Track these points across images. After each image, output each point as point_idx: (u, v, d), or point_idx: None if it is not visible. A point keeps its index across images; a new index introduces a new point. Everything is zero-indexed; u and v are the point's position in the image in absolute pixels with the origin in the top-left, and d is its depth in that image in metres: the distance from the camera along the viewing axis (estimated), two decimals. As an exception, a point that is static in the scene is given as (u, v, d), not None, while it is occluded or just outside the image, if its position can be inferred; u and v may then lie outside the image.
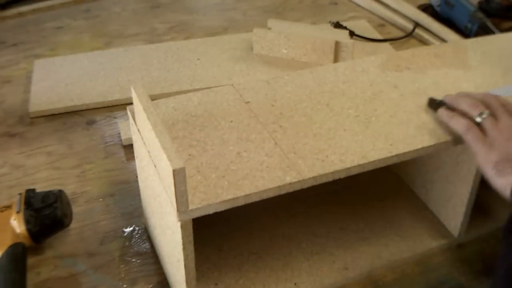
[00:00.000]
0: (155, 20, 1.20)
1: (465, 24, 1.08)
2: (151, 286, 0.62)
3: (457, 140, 0.57)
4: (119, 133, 0.84)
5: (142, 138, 0.55)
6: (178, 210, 0.47)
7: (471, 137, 0.55)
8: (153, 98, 0.56)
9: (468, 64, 0.70)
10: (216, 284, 0.61)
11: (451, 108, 0.59)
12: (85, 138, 0.84)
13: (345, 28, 1.05)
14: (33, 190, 0.66)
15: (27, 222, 0.62)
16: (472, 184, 0.62)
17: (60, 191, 0.66)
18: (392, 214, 0.70)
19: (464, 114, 0.58)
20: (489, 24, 1.05)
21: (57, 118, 0.88)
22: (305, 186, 0.52)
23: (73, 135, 0.85)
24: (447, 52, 0.73)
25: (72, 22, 1.19)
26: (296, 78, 0.67)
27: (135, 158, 0.63)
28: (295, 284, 0.61)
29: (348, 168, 0.53)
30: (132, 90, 0.54)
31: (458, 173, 0.64)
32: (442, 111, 0.59)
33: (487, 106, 0.57)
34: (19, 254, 0.60)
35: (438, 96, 0.62)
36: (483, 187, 0.64)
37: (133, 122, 0.58)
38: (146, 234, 0.68)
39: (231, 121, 0.59)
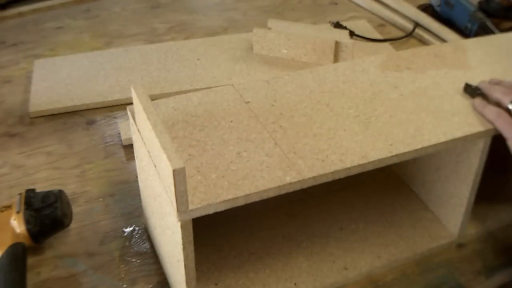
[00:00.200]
0: (155, 20, 1.20)
1: (465, 24, 1.08)
2: (151, 286, 0.62)
3: (457, 140, 0.57)
4: (119, 133, 0.84)
5: (142, 138, 0.55)
6: (178, 210, 0.47)
7: (501, 123, 0.58)
8: (153, 98, 0.56)
9: (468, 64, 0.70)
10: (216, 284, 0.61)
11: (485, 95, 0.62)
12: (85, 138, 0.84)
13: (345, 28, 1.05)
14: (33, 190, 0.66)
15: (27, 222, 0.62)
16: (472, 184, 0.62)
17: (60, 191, 0.66)
18: (392, 214, 0.70)
19: (497, 102, 0.60)
20: (489, 24, 1.05)
21: (57, 118, 0.88)
22: (305, 186, 0.52)
23: (73, 135, 0.85)
24: (447, 52, 0.73)
25: (72, 22, 1.19)
26: (296, 78, 0.67)
27: (135, 158, 0.63)
28: (295, 284, 0.61)
29: (348, 168, 0.53)
30: (132, 90, 0.54)
31: (458, 173, 0.64)
32: (476, 101, 0.62)
33: None
34: (19, 254, 0.60)
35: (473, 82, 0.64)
36: (484, 186, 0.64)
37: (133, 122, 0.58)
38: (146, 234, 0.68)
39: (231, 121, 0.59)
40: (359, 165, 0.54)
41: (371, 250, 0.65)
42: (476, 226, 0.69)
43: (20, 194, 0.65)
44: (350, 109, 0.61)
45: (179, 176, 0.45)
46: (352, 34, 1.02)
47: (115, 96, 0.91)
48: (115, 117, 0.88)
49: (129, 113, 0.59)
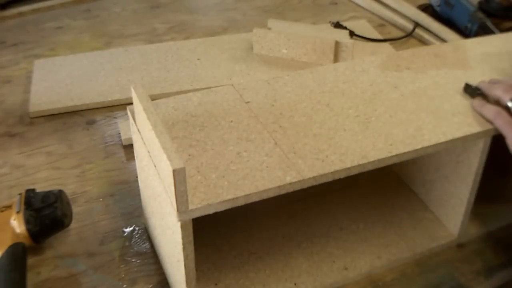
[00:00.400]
0: (155, 20, 1.20)
1: (465, 24, 1.08)
2: (151, 286, 0.62)
3: (457, 140, 0.57)
4: (119, 133, 0.84)
5: (142, 138, 0.55)
6: (178, 210, 0.47)
7: (500, 122, 0.57)
8: (153, 98, 0.56)
9: (468, 64, 0.70)
10: (216, 284, 0.61)
11: (485, 94, 0.62)
12: (85, 138, 0.84)
13: (345, 28, 1.05)
14: (33, 190, 0.66)
15: (27, 222, 0.62)
16: (472, 184, 0.62)
17: (60, 191, 0.66)
18: (392, 214, 0.70)
19: (497, 100, 0.60)
20: (489, 24, 1.05)
21: (57, 118, 0.88)
22: (305, 186, 0.52)
23: (73, 135, 0.85)
24: (447, 52, 0.73)
25: (72, 22, 1.19)
26: (296, 78, 0.67)
27: (135, 158, 0.63)
28: (295, 284, 0.61)
29: (348, 168, 0.53)
30: (132, 90, 0.54)
31: (458, 173, 0.64)
32: (474, 102, 0.61)
33: None
34: (19, 254, 0.60)
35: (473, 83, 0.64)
36: (484, 186, 0.64)
37: (133, 122, 0.58)
38: (146, 234, 0.68)
39: (231, 121, 0.59)
40: (359, 165, 0.54)
41: (371, 250, 0.65)
42: (476, 226, 0.69)
43: (20, 194, 0.65)
44: (350, 109, 0.61)
45: (179, 176, 0.45)
46: (352, 34, 1.02)
47: (115, 96, 0.91)
48: (115, 117, 0.88)
49: (129, 113, 0.59)
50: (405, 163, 0.73)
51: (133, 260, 0.65)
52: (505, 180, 0.75)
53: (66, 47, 1.09)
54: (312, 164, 0.53)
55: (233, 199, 0.49)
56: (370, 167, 0.54)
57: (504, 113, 0.58)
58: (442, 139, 0.57)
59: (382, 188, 0.74)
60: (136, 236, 0.68)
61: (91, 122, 0.87)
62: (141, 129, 0.55)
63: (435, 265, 0.65)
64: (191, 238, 0.50)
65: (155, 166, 0.51)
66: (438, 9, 1.16)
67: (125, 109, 0.62)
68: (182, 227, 0.48)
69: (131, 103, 0.57)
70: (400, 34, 1.13)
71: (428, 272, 0.64)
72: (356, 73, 0.68)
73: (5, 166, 0.79)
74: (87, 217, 0.70)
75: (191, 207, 0.48)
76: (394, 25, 1.17)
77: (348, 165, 0.53)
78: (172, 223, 0.50)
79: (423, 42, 1.10)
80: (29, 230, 0.62)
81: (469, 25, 1.07)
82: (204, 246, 0.65)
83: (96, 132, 0.85)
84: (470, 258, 0.66)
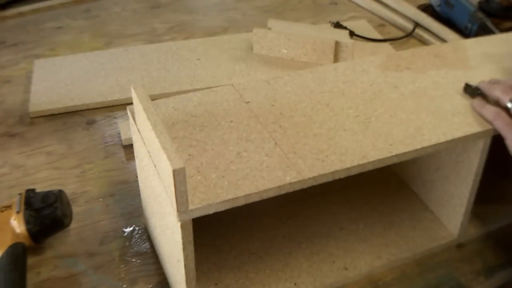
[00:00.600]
0: (155, 20, 1.20)
1: (465, 24, 1.08)
2: (151, 286, 0.62)
3: (457, 140, 0.57)
4: (119, 133, 0.84)
5: (142, 138, 0.55)
6: (178, 210, 0.47)
7: (500, 122, 0.57)
8: (153, 98, 0.56)
9: (468, 64, 0.70)
10: (216, 284, 0.61)
11: (485, 95, 0.62)
12: (85, 138, 0.84)
13: (345, 28, 1.05)
14: (33, 190, 0.66)
15: (27, 222, 0.62)
16: (472, 184, 0.62)
17: (60, 191, 0.66)
18: (392, 214, 0.70)
19: (497, 101, 0.60)
20: (489, 24, 1.05)
21: (57, 118, 0.88)
22: (305, 186, 0.52)
23: (73, 135, 0.85)
24: (447, 52, 0.73)
25: (72, 22, 1.19)
26: (296, 78, 0.67)
27: (135, 158, 0.63)
28: (295, 284, 0.61)
29: (348, 168, 0.53)
30: (132, 90, 0.54)
31: (458, 173, 0.64)
32: (474, 102, 0.61)
33: None
34: (19, 254, 0.60)
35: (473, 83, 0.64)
36: (484, 186, 0.64)
37: (133, 122, 0.58)
38: (146, 234, 0.68)
39: (231, 121, 0.59)
40: (359, 165, 0.54)
41: (371, 250, 0.65)
42: (476, 226, 0.69)
43: (20, 194, 0.65)
44: (350, 109, 0.61)
45: (179, 176, 0.45)
46: (352, 34, 1.02)
47: (115, 96, 0.91)
48: (115, 117, 0.88)
49: (129, 113, 0.59)
50: (405, 163, 0.73)
51: (133, 260, 0.65)
52: (505, 180, 0.75)
53: (66, 47, 1.09)
54: (312, 164, 0.53)
55: (233, 199, 0.49)
56: (370, 167, 0.54)
57: (504, 114, 0.58)
58: (442, 139, 0.57)
59: (382, 188, 0.74)
60: (136, 236, 0.68)
61: (91, 122, 0.87)
62: (141, 129, 0.55)
63: (435, 265, 0.65)
64: (191, 238, 0.50)
65: (155, 166, 0.51)
66: (438, 9, 1.16)
67: (125, 109, 0.62)
68: (182, 227, 0.48)
69: (131, 103, 0.57)
70: (400, 34, 1.13)
71: (428, 272, 0.64)
72: (356, 73, 0.68)
73: (5, 166, 0.79)
74: (87, 217, 0.70)
75: (191, 207, 0.48)
76: (394, 25, 1.17)
77: (348, 165, 0.53)
78: (172, 223, 0.50)
79: (423, 42, 1.10)
80: (29, 230, 0.62)
81: (469, 25, 1.07)
82: (204, 246, 0.65)
83: (96, 132, 0.85)
84: (470, 258, 0.66)
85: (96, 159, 0.80)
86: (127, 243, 0.67)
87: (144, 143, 0.54)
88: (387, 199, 0.72)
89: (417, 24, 1.13)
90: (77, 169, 0.78)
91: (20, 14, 1.21)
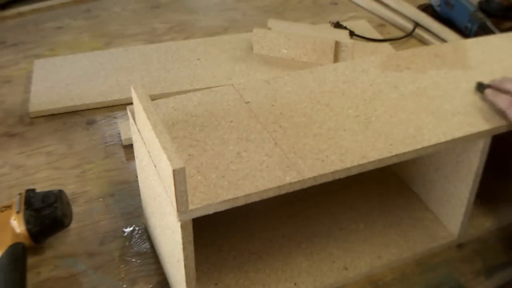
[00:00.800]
0: (155, 20, 1.20)
1: (465, 24, 1.08)
2: (151, 286, 0.62)
3: (457, 140, 0.57)
4: (119, 133, 0.84)
5: (142, 138, 0.55)
6: (178, 210, 0.47)
7: None
8: (153, 98, 0.56)
9: (468, 64, 0.70)
10: (216, 284, 0.61)
11: (497, 88, 0.62)
12: (85, 138, 0.84)
13: (345, 28, 1.05)
14: (33, 190, 0.66)
15: (27, 222, 0.62)
16: (472, 184, 0.62)
17: (60, 191, 0.66)
18: (392, 214, 0.70)
19: (508, 93, 0.60)
20: (489, 24, 1.05)
21: (57, 118, 0.88)
22: (305, 186, 0.52)
23: (73, 135, 0.85)
24: (447, 52, 0.73)
25: (72, 22, 1.19)
26: (296, 78, 0.67)
27: (135, 158, 0.63)
28: (295, 284, 0.61)
29: (348, 168, 0.53)
30: (132, 90, 0.54)
31: (458, 173, 0.64)
32: (488, 91, 0.62)
33: None
34: (19, 254, 0.60)
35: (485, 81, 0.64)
36: (484, 186, 0.64)
37: (133, 122, 0.58)
38: (146, 234, 0.68)
39: (231, 121, 0.59)
40: (359, 165, 0.54)
41: (371, 250, 0.65)
42: (476, 226, 0.69)
43: (20, 194, 0.65)
44: (350, 109, 0.61)
45: (179, 176, 0.45)
46: (352, 34, 1.02)
47: (115, 96, 0.91)
48: (115, 117, 0.88)
49: (129, 113, 0.59)
50: (405, 163, 0.73)
51: (133, 260, 0.65)
52: (505, 180, 0.75)
53: (66, 47, 1.09)
54: (312, 164, 0.53)
55: (233, 199, 0.49)
56: (370, 167, 0.54)
57: None
58: (442, 139, 0.57)
59: (382, 188, 0.74)
60: (136, 236, 0.68)
61: (91, 122, 0.87)
62: (141, 129, 0.55)
63: (435, 265, 0.65)
64: (191, 238, 0.50)
65: (155, 166, 0.51)
66: (438, 9, 1.16)
67: (125, 109, 0.62)
68: (182, 227, 0.48)
69: (131, 103, 0.57)
70: (400, 34, 1.13)
71: (428, 272, 0.64)
72: (356, 73, 0.68)
73: (5, 166, 0.79)
74: (87, 217, 0.70)
75: (191, 207, 0.48)
76: (394, 25, 1.17)
77: (348, 165, 0.53)
78: (172, 223, 0.50)
79: (423, 42, 1.10)
80: (29, 230, 0.62)
81: (469, 25, 1.07)
82: (204, 246, 0.65)
83: (96, 132, 0.85)
84: (470, 258, 0.66)
85: (96, 159, 0.80)
86: (127, 243, 0.67)
87: (144, 143, 0.54)
88: (387, 199, 0.72)
89: (417, 24, 1.13)
90: (77, 169, 0.78)
91: (20, 14, 1.21)
